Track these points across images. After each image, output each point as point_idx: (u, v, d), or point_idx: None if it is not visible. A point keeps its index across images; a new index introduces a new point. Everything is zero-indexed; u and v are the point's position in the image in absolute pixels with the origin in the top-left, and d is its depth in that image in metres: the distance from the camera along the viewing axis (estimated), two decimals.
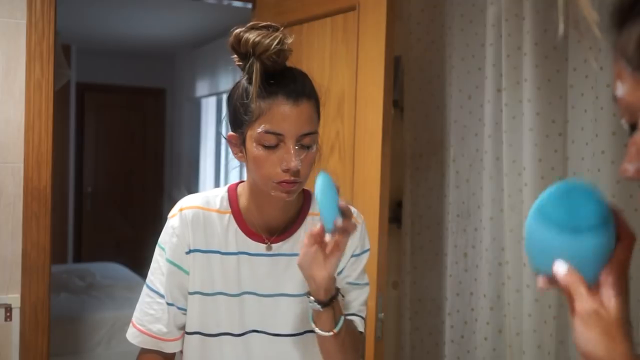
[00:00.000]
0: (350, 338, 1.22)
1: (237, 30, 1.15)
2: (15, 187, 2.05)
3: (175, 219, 1.25)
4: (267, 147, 1.14)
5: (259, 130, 1.13)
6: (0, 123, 2.03)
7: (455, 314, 2.35)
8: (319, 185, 1.10)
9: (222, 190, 1.29)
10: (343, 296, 1.22)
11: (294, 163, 1.12)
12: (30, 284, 2.06)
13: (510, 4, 2.04)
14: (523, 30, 2.00)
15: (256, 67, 1.13)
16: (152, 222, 6.24)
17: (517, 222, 2.03)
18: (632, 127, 0.53)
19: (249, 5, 2.56)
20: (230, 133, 1.21)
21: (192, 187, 6.04)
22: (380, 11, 1.93)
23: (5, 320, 2.03)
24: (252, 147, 1.15)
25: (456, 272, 2.36)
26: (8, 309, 2.04)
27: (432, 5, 2.50)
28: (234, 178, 4.58)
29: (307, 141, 1.15)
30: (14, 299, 2.04)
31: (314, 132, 1.17)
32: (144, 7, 4.59)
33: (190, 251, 1.24)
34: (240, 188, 1.29)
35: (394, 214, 2.56)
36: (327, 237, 1.10)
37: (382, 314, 1.93)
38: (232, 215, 1.26)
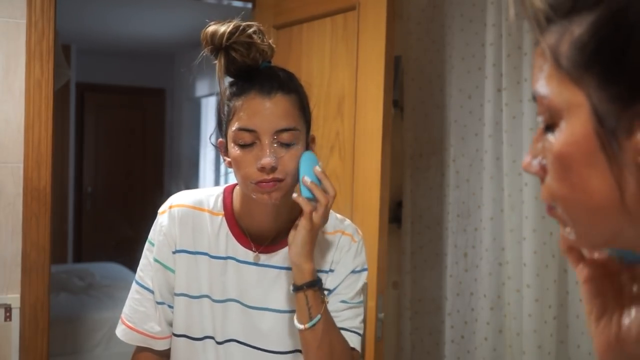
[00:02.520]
0: (332, 347, 1.15)
1: (207, 28, 1.12)
2: (15, 187, 2.04)
3: (164, 216, 1.22)
4: (243, 146, 1.09)
5: (233, 128, 1.10)
6: (0, 123, 2.03)
7: (455, 314, 2.35)
8: (302, 157, 1.13)
9: (218, 190, 1.25)
10: (324, 295, 1.17)
11: (267, 159, 1.07)
12: (30, 284, 2.05)
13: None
14: (523, 30, 1.99)
15: (220, 58, 1.10)
16: (152, 222, 6.23)
17: (517, 222, 2.03)
18: (548, 128, 0.51)
19: (249, 5, 2.56)
20: (220, 140, 1.18)
21: (192, 187, 6.02)
22: (380, 11, 1.93)
23: (5, 320, 2.03)
24: (230, 147, 1.12)
25: (456, 272, 2.35)
26: (8, 309, 2.03)
27: (432, 5, 2.50)
28: (233, 179, 4.57)
29: (286, 138, 1.10)
30: (13, 299, 2.04)
31: (293, 129, 1.10)
32: (143, 7, 4.59)
33: (176, 251, 1.21)
34: (236, 190, 1.24)
35: (394, 214, 2.56)
36: (294, 195, 1.12)
37: (382, 314, 1.92)
38: (224, 218, 1.21)
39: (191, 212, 1.21)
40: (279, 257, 1.21)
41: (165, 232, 1.21)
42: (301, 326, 1.13)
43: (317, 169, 1.12)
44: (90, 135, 6.48)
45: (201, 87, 6.00)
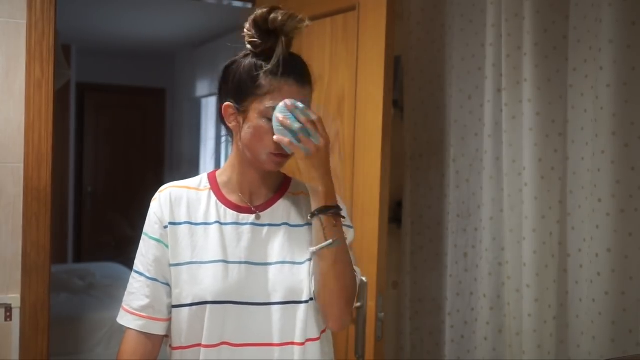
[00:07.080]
0: (345, 268, 1.26)
1: (263, 10, 1.25)
2: (15, 187, 2.05)
3: (154, 202, 1.34)
4: (270, 120, 1.24)
5: (267, 105, 1.24)
6: (0, 123, 2.03)
7: (456, 314, 2.35)
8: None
9: (199, 176, 1.38)
10: (341, 223, 1.27)
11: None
12: (30, 284, 2.06)
13: (510, 4, 2.04)
14: (523, 30, 2.00)
15: (281, 44, 1.25)
16: None
17: (517, 222, 2.03)
18: None
19: (249, 5, 2.56)
20: (228, 102, 1.28)
21: None
22: (380, 11, 1.93)
23: (5, 320, 2.03)
24: (255, 118, 1.25)
25: (456, 272, 2.36)
26: (8, 309, 2.03)
27: (432, 5, 2.50)
28: None
29: None
30: (14, 299, 2.04)
31: None
32: (144, 7, 4.59)
33: (168, 225, 1.30)
34: (218, 171, 1.37)
35: (394, 214, 2.56)
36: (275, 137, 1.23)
37: (382, 314, 1.93)
38: (211, 191, 1.33)
39: (177, 190, 1.34)
40: (271, 214, 1.32)
41: (156, 211, 1.33)
42: (314, 248, 1.25)
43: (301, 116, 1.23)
44: (90, 135, 6.48)
45: (201, 87, 6.00)
